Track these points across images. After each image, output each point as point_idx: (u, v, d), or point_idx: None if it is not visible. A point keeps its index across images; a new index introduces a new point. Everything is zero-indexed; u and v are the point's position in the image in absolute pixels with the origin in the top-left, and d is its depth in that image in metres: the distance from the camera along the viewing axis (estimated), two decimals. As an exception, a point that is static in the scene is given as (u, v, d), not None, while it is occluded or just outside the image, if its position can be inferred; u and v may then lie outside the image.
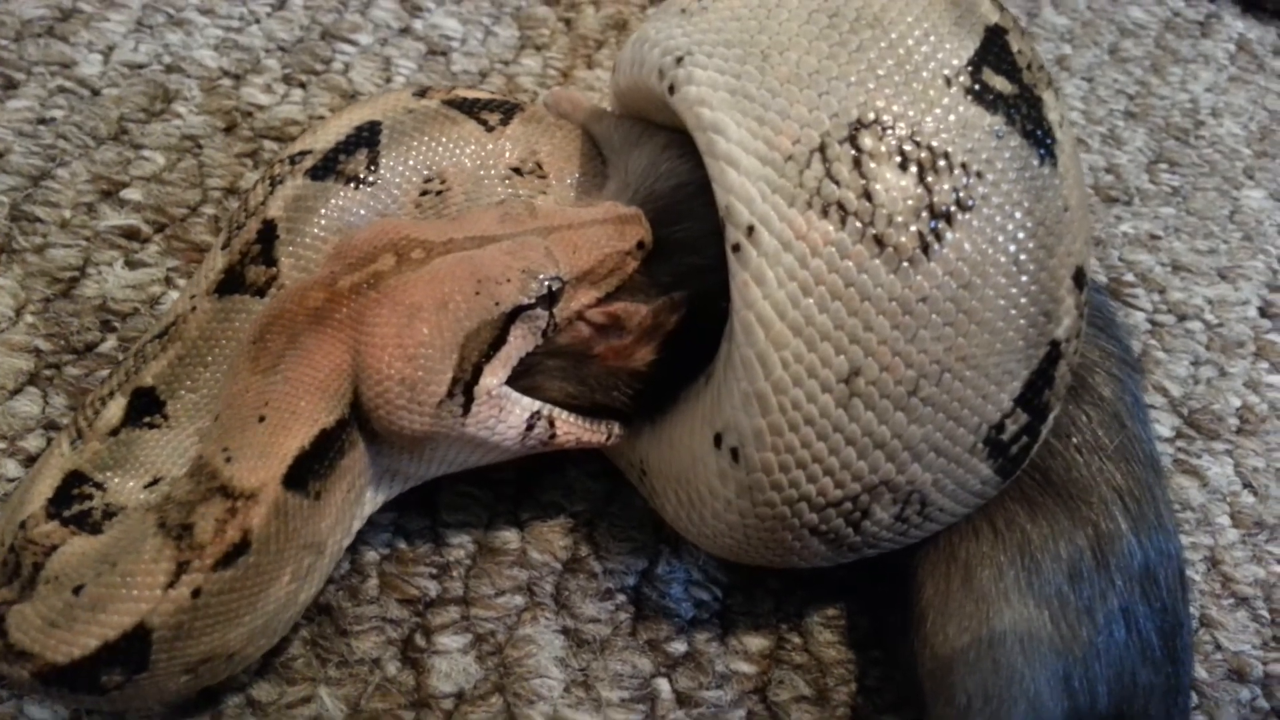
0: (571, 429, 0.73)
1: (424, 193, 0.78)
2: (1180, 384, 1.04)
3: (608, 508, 0.85)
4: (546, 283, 0.68)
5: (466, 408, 0.67)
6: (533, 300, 0.68)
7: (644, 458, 0.78)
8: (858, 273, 0.62)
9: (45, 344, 0.84)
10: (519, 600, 0.79)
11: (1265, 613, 0.89)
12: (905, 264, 0.62)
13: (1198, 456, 0.99)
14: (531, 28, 1.21)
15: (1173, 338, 1.08)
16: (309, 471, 0.64)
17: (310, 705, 0.72)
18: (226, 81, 1.06)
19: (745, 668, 0.79)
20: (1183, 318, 1.10)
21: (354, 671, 0.74)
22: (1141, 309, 1.09)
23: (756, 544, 0.72)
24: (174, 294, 0.89)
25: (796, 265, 0.63)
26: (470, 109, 0.81)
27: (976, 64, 0.65)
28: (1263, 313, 1.12)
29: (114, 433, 0.69)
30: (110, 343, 0.85)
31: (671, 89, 0.70)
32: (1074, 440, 0.75)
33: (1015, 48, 0.67)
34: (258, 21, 1.13)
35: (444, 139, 0.79)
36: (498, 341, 0.68)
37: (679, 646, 0.79)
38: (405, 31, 1.17)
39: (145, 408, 0.70)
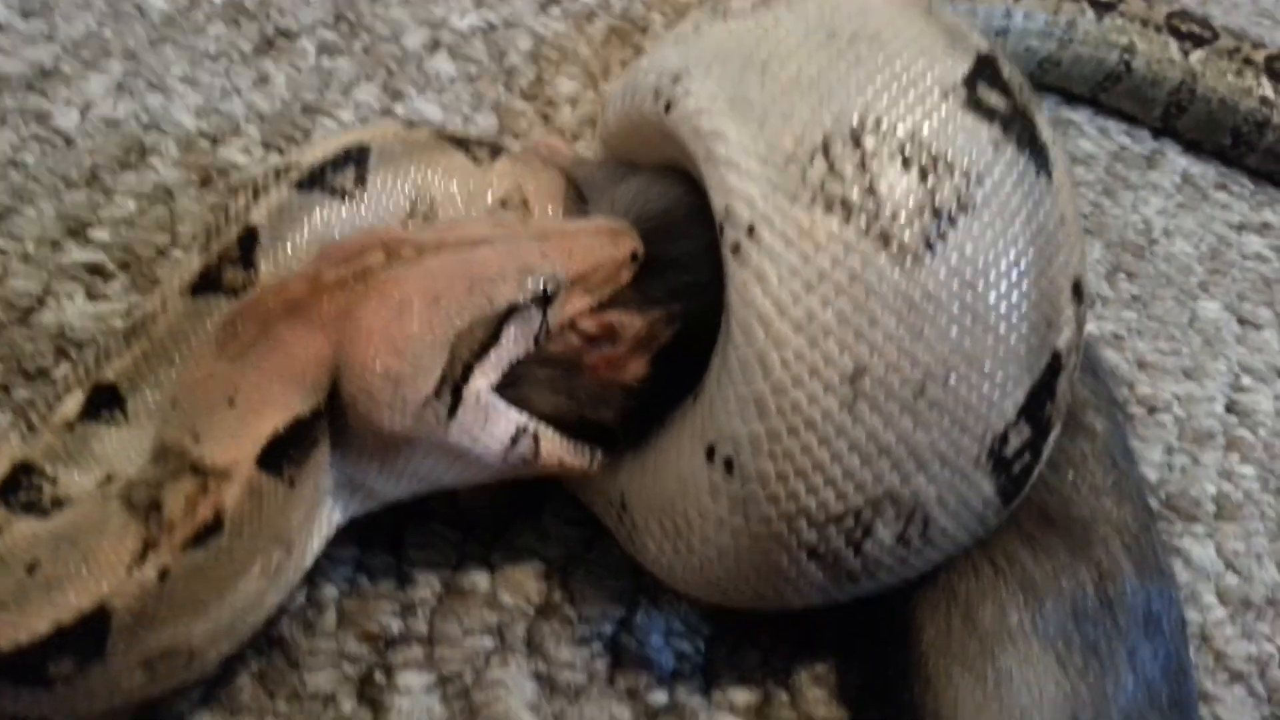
0: (556, 449, 0.70)
1: (411, 214, 0.77)
2: (1156, 469, 1.03)
3: (585, 554, 0.80)
4: (542, 281, 0.66)
5: (452, 410, 0.64)
6: (528, 299, 0.66)
7: (625, 490, 0.74)
8: (863, 268, 0.61)
9: (-5, 366, 0.80)
10: (488, 643, 0.74)
11: (1262, 690, 0.86)
12: (910, 261, 0.61)
13: (1179, 538, 0.97)
14: (510, 119, 1.23)
15: (1145, 428, 1.08)
16: (283, 456, 0.60)
17: (257, 740, 0.65)
18: (204, 142, 1.06)
19: (731, 723, 0.74)
20: (1153, 410, 1.10)
21: (305, 707, 0.68)
22: (1112, 401, 1.10)
23: (747, 572, 0.68)
24: (136, 327, 0.85)
25: (799, 262, 0.62)
26: (460, 143, 0.81)
27: (971, 80, 0.66)
28: (1229, 409, 1.13)
29: (69, 426, 0.65)
30: (64, 370, 0.81)
31: (668, 106, 0.71)
32: (1069, 477, 0.74)
33: (1005, 72, 0.68)
34: (239, 93, 1.13)
35: (433, 166, 0.78)
36: (490, 341, 0.65)
37: (660, 697, 0.74)
38: (386, 113, 1.18)
39: (105, 403, 0.66)
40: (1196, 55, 1.45)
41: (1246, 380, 1.17)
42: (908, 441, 0.62)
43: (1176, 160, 1.52)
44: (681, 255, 0.72)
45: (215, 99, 1.11)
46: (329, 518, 0.67)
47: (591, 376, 0.69)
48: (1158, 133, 1.54)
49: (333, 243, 0.67)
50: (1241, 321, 1.25)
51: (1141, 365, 1.16)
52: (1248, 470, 1.06)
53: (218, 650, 0.62)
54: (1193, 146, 1.55)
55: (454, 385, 0.64)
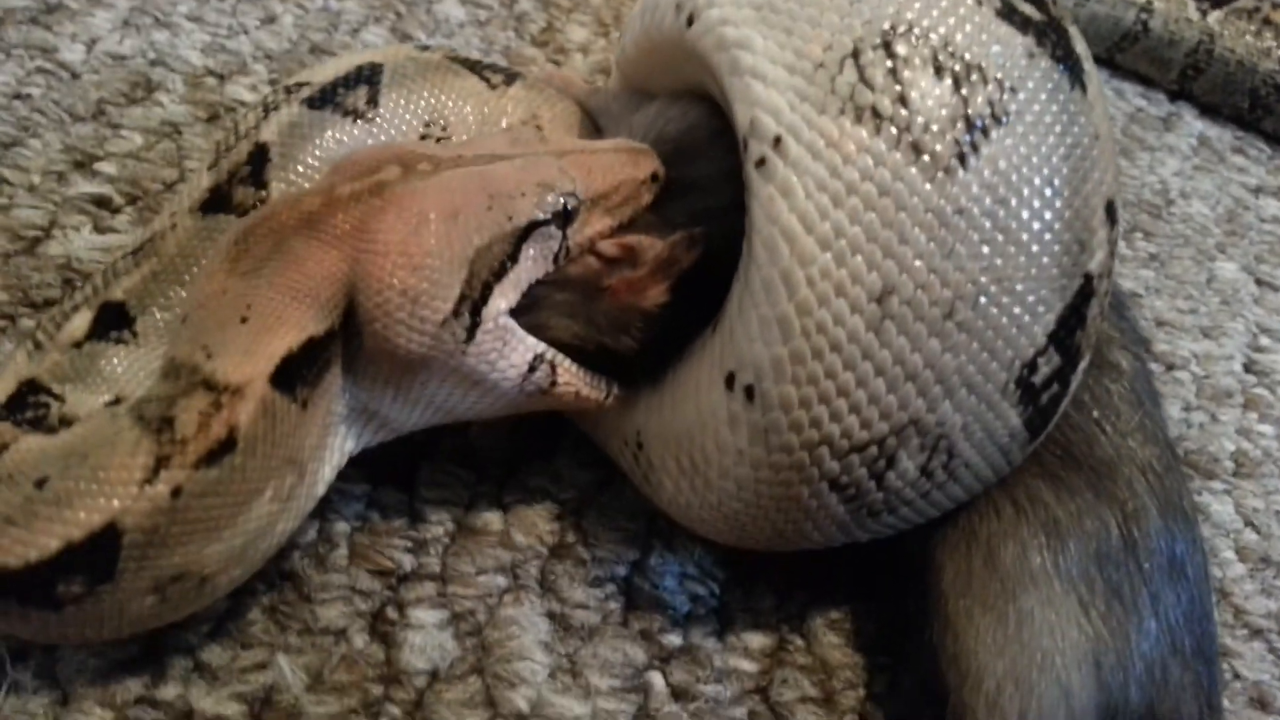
0: (573, 379, 0.69)
1: (424, 136, 0.75)
2: (1175, 426, 1.02)
3: (598, 496, 0.79)
4: (563, 199, 0.64)
5: (471, 333, 0.62)
6: (548, 216, 0.64)
7: (641, 428, 0.72)
8: (893, 181, 0.59)
9: (2, 295, 0.78)
10: (501, 581, 0.72)
11: (1282, 645, 0.85)
12: (942, 174, 0.59)
13: (1198, 494, 0.95)
14: (521, 65, 1.21)
15: (1163, 385, 1.06)
16: (296, 376, 0.58)
17: (266, 672, 0.64)
18: (211, 80, 1.04)
19: (746, 665, 0.72)
20: (1171, 367, 1.09)
21: (317, 641, 0.66)
22: (1129, 358, 1.08)
23: (767, 507, 0.66)
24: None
25: (827, 175, 0.60)
26: (474, 67, 0.79)
27: (1004, -11, 0.64)
28: (1247, 368, 1.11)
29: (77, 345, 0.63)
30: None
31: (691, 19, 0.68)
32: (1094, 414, 0.72)
33: (1038, -15, 0.66)
34: (246, 32, 1.11)
35: (447, 89, 0.76)
36: (509, 260, 0.63)
37: (674, 639, 0.72)
38: (395, 57, 1.16)
39: (113, 322, 0.64)
40: (1215, 15, 1.43)
41: (1265, 340, 1.16)
42: (935, 366, 0.60)
43: (1193, 123, 1.50)
44: (701, 178, 0.70)
45: (222, 37, 1.09)
46: (341, 445, 0.65)
47: (611, 300, 0.67)
48: (1174, 96, 1.52)
49: (347, 156, 0.65)
50: (1259, 283, 1.24)
51: (1160, 323, 1.14)
52: (1266, 429, 1.04)
53: (229, 576, 0.60)
54: (1209, 110, 1.53)
55: (473, 305, 0.62)
